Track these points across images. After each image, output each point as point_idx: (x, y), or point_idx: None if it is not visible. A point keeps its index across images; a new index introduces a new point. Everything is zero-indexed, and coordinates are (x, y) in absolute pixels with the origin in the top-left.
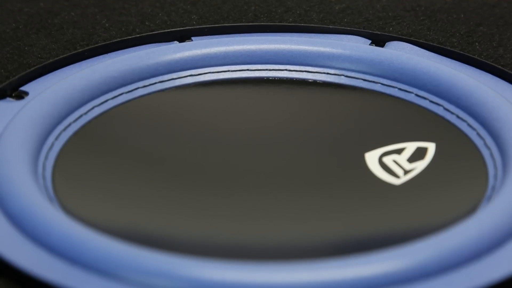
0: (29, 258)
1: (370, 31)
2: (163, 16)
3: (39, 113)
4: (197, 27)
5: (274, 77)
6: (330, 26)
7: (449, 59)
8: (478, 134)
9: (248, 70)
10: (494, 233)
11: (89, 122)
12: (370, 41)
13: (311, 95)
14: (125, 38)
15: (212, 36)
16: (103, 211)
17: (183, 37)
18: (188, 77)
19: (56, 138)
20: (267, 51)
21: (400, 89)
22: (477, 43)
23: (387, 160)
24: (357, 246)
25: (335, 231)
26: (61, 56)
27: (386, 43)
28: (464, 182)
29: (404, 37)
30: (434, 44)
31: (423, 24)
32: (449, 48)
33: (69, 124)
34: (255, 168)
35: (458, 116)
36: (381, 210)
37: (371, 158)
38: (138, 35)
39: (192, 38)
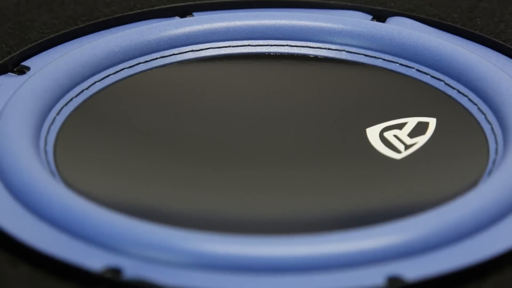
0: (30, 232)
1: (372, 7)
2: None
3: (41, 88)
4: (198, 2)
5: (276, 53)
6: (332, 2)
7: (450, 34)
8: (479, 109)
9: (249, 45)
10: (495, 206)
11: (91, 97)
12: (371, 17)
13: (312, 70)
14: (127, 13)
15: (213, 11)
16: (105, 185)
17: (184, 12)
18: (190, 53)
19: (58, 113)
20: (269, 26)
21: (401, 64)
22: (478, 19)
23: (388, 135)
24: (358, 220)
25: (336, 205)
26: (63, 32)
27: (387, 19)
28: (465, 157)
29: (405, 12)
30: (435, 20)
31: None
32: (450, 23)
33: (71, 99)
34: (256, 143)
35: (459, 91)
36: (382, 184)
37: (372, 133)
38: (139, 11)
39: (194, 13)
